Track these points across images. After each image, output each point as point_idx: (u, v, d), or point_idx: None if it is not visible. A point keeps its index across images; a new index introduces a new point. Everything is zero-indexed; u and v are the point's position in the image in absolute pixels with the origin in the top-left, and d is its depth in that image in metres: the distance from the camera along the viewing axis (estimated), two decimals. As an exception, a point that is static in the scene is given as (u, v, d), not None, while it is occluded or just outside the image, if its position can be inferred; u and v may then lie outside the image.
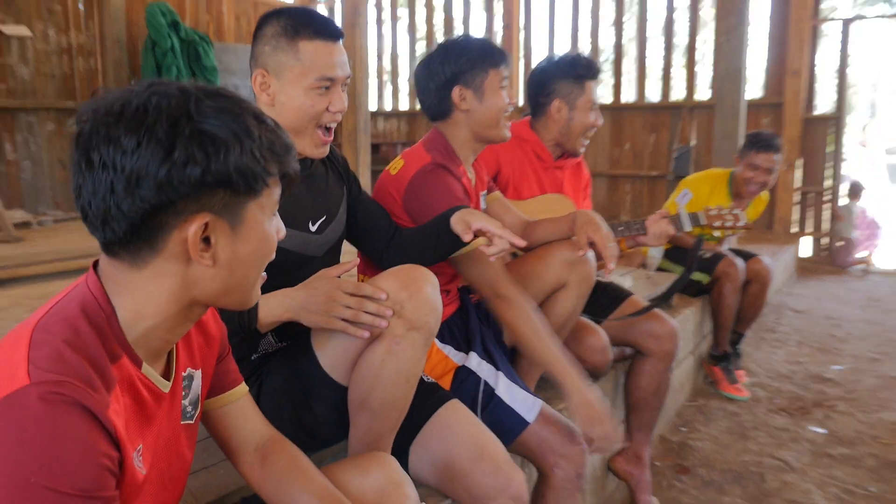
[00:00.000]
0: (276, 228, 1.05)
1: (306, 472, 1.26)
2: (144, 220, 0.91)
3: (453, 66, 2.07)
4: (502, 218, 2.27)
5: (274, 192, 1.01)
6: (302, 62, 1.61)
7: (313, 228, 1.75)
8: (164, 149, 0.89)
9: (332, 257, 1.83)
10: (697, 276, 3.80)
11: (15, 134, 6.95)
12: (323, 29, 1.63)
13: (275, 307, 1.51)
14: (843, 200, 7.09)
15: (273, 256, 1.05)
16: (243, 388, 1.29)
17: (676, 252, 3.91)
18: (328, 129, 1.69)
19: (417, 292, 1.47)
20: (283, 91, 1.63)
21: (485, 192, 2.25)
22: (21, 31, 6.85)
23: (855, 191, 7.07)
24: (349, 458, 1.43)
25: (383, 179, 2.09)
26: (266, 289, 1.54)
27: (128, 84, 7.19)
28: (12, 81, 6.89)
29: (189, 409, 1.14)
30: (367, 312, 1.44)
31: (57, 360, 0.87)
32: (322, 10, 9.80)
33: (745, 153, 3.90)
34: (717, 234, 4.01)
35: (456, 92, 2.08)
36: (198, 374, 1.16)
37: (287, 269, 1.60)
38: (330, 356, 1.57)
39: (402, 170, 2.04)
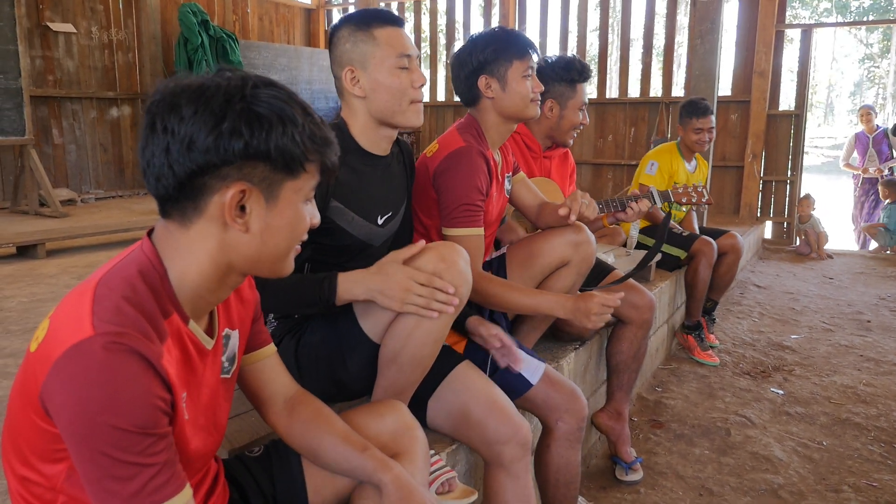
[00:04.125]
0: (311, 214, 1.05)
1: (329, 418, 1.27)
2: (191, 180, 0.93)
3: (479, 57, 2.03)
4: (524, 197, 2.26)
5: (311, 179, 1.01)
6: (381, 46, 1.62)
7: (380, 222, 1.75)
8: (216, 119, 0.92)
9: (387, 246, 1.83)
10: (675, 251, 3.79)
11: (61, 120, 6.93)
12: (389, 17, 1.66)
13: (353, 288, 1.50)
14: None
15: (305, 237, 1.05)
16: (272, 347, 1.29)
17: (651, 230, 3.91)
18: (419, 100, 1.70)
19: (453, 265, 1.49)
20: (373, 78, 1.63)
21: (510, 174, 2.23)
22: (67, 28, 6.80)
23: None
24: (366, 404, 1.44)
25: (420, 161, 2.07)
26: (329, 266, 1.56)
27: (163, 76, 7.20)
28: (59, 73, 6.85)
29: (227, 364, 1.14)
30: (437, 301, 1.46)
31: (117, 313, 0.89)
32: (336, 13, 9.70)
33: (687, 121, 3.91)
34: (683, 208, 4.04)
35: (482, 81, 2.04)
36: (235, 333, 1.16)
37: (351, 254, 1.66)
38: (368, 317, 1.56)
39: (437, 152, 2.01)
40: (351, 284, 1.50)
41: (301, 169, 0.98)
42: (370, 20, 1.63)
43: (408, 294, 1.45)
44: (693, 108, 3.90)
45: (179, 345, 0.99)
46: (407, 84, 1.65)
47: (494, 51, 2.03)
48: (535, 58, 2.09)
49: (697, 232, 4.02)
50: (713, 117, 3.90)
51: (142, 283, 0.95)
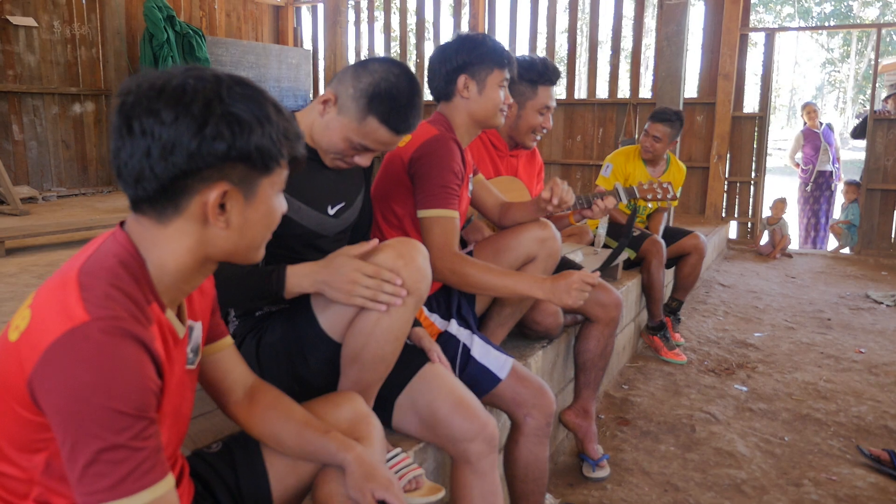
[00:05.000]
0: (281, 204, 1.08)
1: (289, 406, 1.30)
2: (173, 182, 0.94)
3: (465, 56, 2.05)
4: (484, 198, 2.27)
5: (283, 171, 1.05)
6: (361, 129, 1.60)
7: (331, 212, 1.74)
8: (198, 124, 0.93)
9: (342, 237, 1.82)
10: (626, 251, 3.84)
11: (22, 116, 6.77)
12: (396, 124, 1.60)
13: (302, 280, 1.49)
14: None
15: (276, 227, 1.08)
16: (230, 339, 1.31)
17: (615, 229, 3.94)
18: (347, 165, 1.69)
19: (412, 262, 1.48)
20: (336, 122, 1.61)
21: (472, 174, 2.24)
22: (27, 21, 6.65)
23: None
24: (322, 396, 1.45)
25: (393, 154, 2.06)
26: (281, 257, 1.55)
27: (127, 72, 7.01)
28: (19, 68, 6.70)
29: (191, 356, 1.15)
30: (384, 293, 1.44)
31: (108, 298, 0.91)
32: (304, 10, 9.63)
33: (647, 123, 4.01)
34: (650, 205, 4.08)
35: (461, 80, 2.06)
36: (198, 325, 1.17)
37: (302, 243, 1.65)
38: (328, 316, 1.56)
39: (410, 142, 2.01)
40: (299, 277, 1.49)
41: (276, 165, 1.01)
42: (380, 108, 1.57)
43: (354, 286, 1.44)
44: (653, 113, 4.01)
45: (160, 333, 1.00)
46: (350, 155, 1.65)
47: (481, 54, 2.05)
48: (510, 71, 2.11)
49: (659, 234, 4.07)
50: (662, 126, 3.93)
51: (123, 271, 0.96)
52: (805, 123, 7.85)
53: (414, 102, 1.62)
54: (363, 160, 1.66)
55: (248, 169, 0.98)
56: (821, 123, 7.75)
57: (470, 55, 2.05)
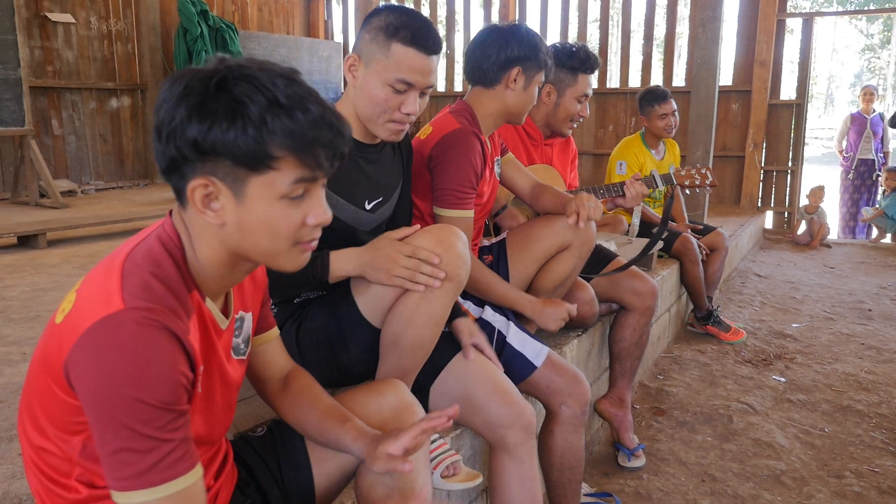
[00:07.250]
0: (308, 213, 0.98)
1: (316, 394, 1.29)
2: (169, 168, 0.94)
3: (526, 51, 2.03)
4: (515, 178, 2.26)
5: (286, 175, 0.93)
6: (388, 60, 1.58)
7: (368, 207, 1.74)
8: (190, 106, 0.90)
9: (378, 232, 1.81)
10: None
11: (61, 111, 6.91)
12: (419, 39, 1.57)
13: (346, 263, 1.54)
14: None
15: (294, 237, 0.99)
16: (276, 331, 1.32)
17: (649, 224, 3.91)
18: (400, 122, 1.65)
19: (451, 248, 1.49)
20: (366, 79, 1.61)
21: (498, 157, 2.23)
22: (66, 18, 6.78)
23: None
24: (366, 383, 1.45)
25: (415, 145, 2.05)
26: (319, 249, 1.53)
27: (162, 67, 7.08)
28: (58, 64, 6.84)
29: (242, 346, 1.16)
30: (422, 273, 1.46)
31: (146, 288, 0.91)
32: (335, 3, 9.66)
33: (650, 110, 3.88)
34: (688, 191, 4.03)
35: (515, 71, 2.03)
36: (248, 316, 1.17)
37: (338, 236, 1.63)
38: (368, 301, 1.57)
39: (431, 134, 2.00)
40: (343, 261, 1.54)
41: (265, 166, 0.92)
42: (399, 30, 1.57)
43: (394, 265, 1.47)
44: (654, 95, 3.89)
45: (200, 320, 1.01)
46: (392, 104, 1.60)
47: (538, 55, 2.04)
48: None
49: (685, 219, 4.13)
50: (672, 102, 3.90)
51: (166, 258, 0.96)
52: (859, 108, 7.58)
53: (426, 20, 1.62)
54: (410, 105, 1.61)
55: (230, 165, 0.91)
56: (874, 110, 7.49)
57: (531, 52, 2.03)
